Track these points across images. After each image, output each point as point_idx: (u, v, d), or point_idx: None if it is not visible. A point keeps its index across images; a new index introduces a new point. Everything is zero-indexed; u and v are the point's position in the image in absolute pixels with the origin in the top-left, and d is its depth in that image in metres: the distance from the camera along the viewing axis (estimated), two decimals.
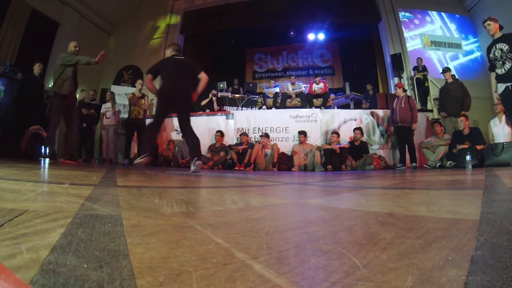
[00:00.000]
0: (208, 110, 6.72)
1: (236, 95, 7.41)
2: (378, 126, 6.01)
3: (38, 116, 5.58)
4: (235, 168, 5.28)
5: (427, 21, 8.13)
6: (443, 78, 5.89)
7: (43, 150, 5.57)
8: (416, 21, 8.12)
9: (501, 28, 3.52)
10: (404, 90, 5.71)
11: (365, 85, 8.00)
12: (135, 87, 6.33)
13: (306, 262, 0.37)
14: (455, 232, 0.49)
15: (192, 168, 3.02)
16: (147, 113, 6.45)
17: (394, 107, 5.45)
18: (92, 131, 6.48)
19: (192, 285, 0.30)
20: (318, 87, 6.97)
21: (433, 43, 7.91)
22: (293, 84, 7.46)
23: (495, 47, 3.50)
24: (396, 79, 7.63)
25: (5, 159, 3.60)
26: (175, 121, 6.67)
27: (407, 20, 8.06)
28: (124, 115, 6.80)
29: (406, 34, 7.93)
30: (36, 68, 5.38)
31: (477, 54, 7.82)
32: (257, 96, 7.53)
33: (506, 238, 0.45)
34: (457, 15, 8.12)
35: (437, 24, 8.11)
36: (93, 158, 6.44)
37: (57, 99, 4.10)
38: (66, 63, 4.09)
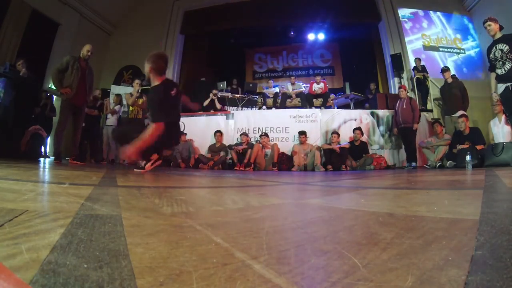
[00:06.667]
0: (213, 110, 6.72)
1: (236, 95, 7.41)
2: (378, 126, 6.01)
3: (36, 115, 5.54)
4: (235, 168, 5.28)
5: (427, 21, 8.13)
6: (443, 78, 5.90)
7: (43, 150, 5.57)
8: (416, 21, 8.11)
9: (501, 28, 3.52)
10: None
11: (365, 84, 8.00)
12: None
13: (306, 262, 0.37)
14: (455, 232, 0.49)
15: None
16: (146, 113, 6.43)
17: (397, 109, 5.47)
18: (93, 132, 6.46)
19: (192, 285, 0.30)
20: (319, 87, 6.97)
21: (433, 43, 7.90)
22: (293, 84, 7.47)
23: (495, 47, 3.50)
24: (396, 79, 7.63)
25: (5, 159, 3.60)
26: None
27: (407, 20, 8.06)
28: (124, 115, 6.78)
29: (406, 34, 7.93)
30: (19, 66, 5.06)
31: (476, 54, 7.82)
32: (257, 96, 7.52)
33: (506, 238, 0.45)
34: (457, 15, 8.12)
35: (437, 24, 8.11)
36: (92, 159, 6.42)
37: (64, 100, 4.05)
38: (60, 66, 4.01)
